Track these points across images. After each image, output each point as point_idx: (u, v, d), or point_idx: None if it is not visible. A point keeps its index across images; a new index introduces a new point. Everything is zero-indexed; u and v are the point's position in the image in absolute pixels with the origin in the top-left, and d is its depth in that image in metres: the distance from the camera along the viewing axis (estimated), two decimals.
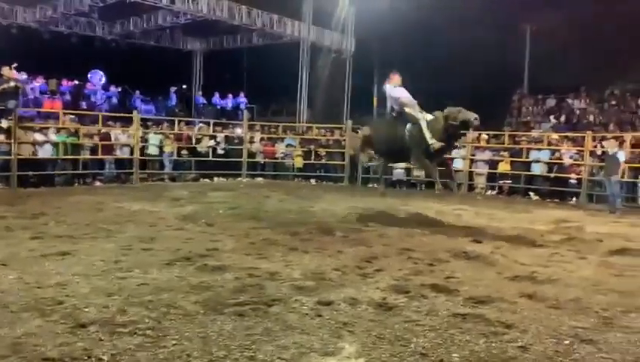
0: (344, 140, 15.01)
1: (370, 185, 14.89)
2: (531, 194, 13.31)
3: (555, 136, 14.69)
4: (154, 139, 13.93)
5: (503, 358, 3.11)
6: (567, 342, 3.39)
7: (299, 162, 15.27)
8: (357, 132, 14.32)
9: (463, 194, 13.44)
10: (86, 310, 3.62)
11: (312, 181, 14.97)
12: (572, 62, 18.94)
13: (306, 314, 3.75)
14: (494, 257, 5.82)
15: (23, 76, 12.18)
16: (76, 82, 17.67)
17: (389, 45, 20.51)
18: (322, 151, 15.19)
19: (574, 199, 12.76)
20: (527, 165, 13.43)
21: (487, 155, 14.10)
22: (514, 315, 3.86)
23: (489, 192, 13.90)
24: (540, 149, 13.68)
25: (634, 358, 3.17)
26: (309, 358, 3.00)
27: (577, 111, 20.37)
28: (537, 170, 13.37)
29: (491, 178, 14.01)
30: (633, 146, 12.76)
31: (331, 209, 9.36)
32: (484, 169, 14.12)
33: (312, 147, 15.21)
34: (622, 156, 11.45)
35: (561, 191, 13.03)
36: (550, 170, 13.25)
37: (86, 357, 2.88)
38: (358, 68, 20.96)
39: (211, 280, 4.45)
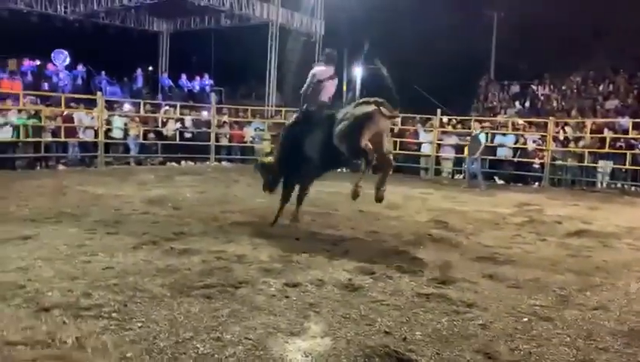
0: None
1: (339, 170, 14.94)
2: (496, 178, 13.61)
3: (520, 121, 15.02)
4: (119, 121, 13.65)
5: (465, 335, 3.21)
6: (525, 319, 3.53)
7: (267, 147, 15.18)
8: None
9: (430, 179, 13.66)
10: (49, 294, 3.57)
11: None
12: (536, 49, 19.33)
13: (273, 295, 3.78)
14: (458, 239, 5.96)
15: None
16: (38, 62, 17.12)
17: (358, 29, 20.52)
18: None
19: (537, 183, 13.12)
20: (492, 150, 13.71)
21: (453, 140, 14.32)
22: (475, 294, 3.98)
23: (455, 177, 14.13)
24: (504, 134, 13.97)
25: (587, 333, 3.32)
26: (275, 338, 3.04)
27: (541, 97, 20.83)
28: (502, 154, 13.66)
29: (458, 163, 14.24)
30: (593, 132, 13.18)
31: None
32: (450, 153, 14.35)
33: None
34: (483, 138, 12.48)
35: (525, 176, 13.39)
36: (514, 155, 13.57)
37: (50, 341, 2.85)
38: None
39: (178, 264, 4.44)
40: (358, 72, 25.00)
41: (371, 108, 5.46)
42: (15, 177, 10.21)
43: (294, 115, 6.70)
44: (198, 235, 5.61)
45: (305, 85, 6.26)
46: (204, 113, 15.40)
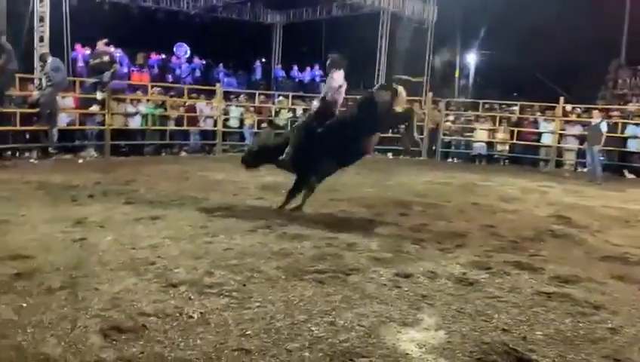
0: (423, 113, 14.69)
1: (450, 160, 14.57)
2: (625, 172, 12.47)
3: None
4: (235, 111, 14.32)
5: (592, 339, 2.99)
6: None
7: (375, 136, 15.11)
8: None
9: (550, 171, 12.85)
10: (176, 271, 3.83)
11: (389, 155, 14.81)
12: None
13: (384, 284, 3.77)
14: (582, 236, 5.55)
15: (112, 49, 12.82)
16: (163, 56, 18.39)
17: (472, 14, 19.67)
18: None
19: None
20: (622, 141, 12.56)
21: (577, 130, 13.32)
22: (603, 296, 3.68)
23: (579, 169, 13.15)
24: (637, 124, 12.73)
25: None
26: (387, 327, 3.03)
27: None
28: (633, 146, 12.48)
29: (582, 155, 13.24)
30: None
31: (408, 183, 9.26)
32: (573, 145, 13.37)
33: None
34: (604, 127, 11.47)
35: None
36: None
37: (178, 314, 3.06)
38: (439, 39, 20.29)
39: (291, 248, 4.57)
40: (471, 58, 24.02)
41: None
42: (143, 162, 11.10)
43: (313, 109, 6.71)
44: (309, 221, 5.73)
45: (325, 90, 6.32)
46: (315, 103, 15.65)
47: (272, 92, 17.06)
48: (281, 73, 20.17)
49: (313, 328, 2.96)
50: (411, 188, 8.76)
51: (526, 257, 4.59)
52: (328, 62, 6.33)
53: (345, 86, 6.33)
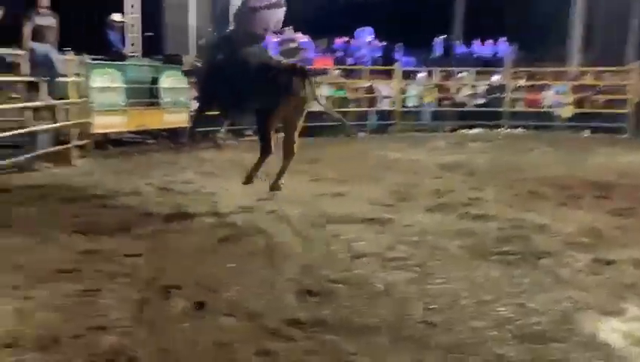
0: (627, 85, 12.99)
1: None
2: None
3: None
4: (414, 90, 14.23)
5: None
6: None
7: (568, 111, 13.82)
8: None
9: None
10: (360, 244, 3.99)
11: (585, 133, 13.41)
12: None
13: (581, 270, 3.47)
14: None
15: (298, 35, 13.58)
16: (345, 39, 18.99)
17: None
18: (599, 99, 13.42)
19: None
20: None
21: None
22: None
23: None
24: None
25: None
26: (585, 314, 2.79)
27: None
28: None
29: None
30: None
31: (608, 163, 8.31)
32: None
33: (590, 93, 13.54)
34: None
35: None
36: None
37: (363, 284, 3.19)
38: None
39: (474, 228, 4.44)
40: None
41: None
42: (325, 143, 11.62)
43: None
44: (493, 201, 5.49)
45: (236, 9, 5.51)
46: (496, 78, 14.83)
47: (452, 68, 16.55)
48: (462, 49, 19.45)
49: (500, 308, 2.85)
50: (612, 168, 7.83)
51: None
52: None
53: (269, 9, 5.41)
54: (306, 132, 12.32)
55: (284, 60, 5.74)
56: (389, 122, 13.72)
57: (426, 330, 2.62)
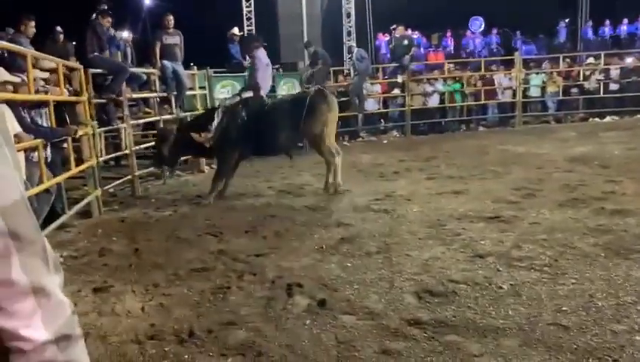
0: None
1: None
2: None
3: None
4: (536, 79, 13.39)
5: None
6: None
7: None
8: None
9: None
10: (482, 243, 3.84)
11: None
12: None
13: None
14: None
15: (409, 32, 13.38)
16: (456, 32, 18.43)
17: None
18: None
19: None
20: None
21: None
22: None
23: None
24: None
25: None
26: None
27: None
28: None
29: None
30: None
31: None
32: None
33: None
34: None
35: None
36: None
37: (487, 284, 3.07)
38: None
39: (611, 224, 4.07)
40: None
41: None
42: (442, 139, 11.35)
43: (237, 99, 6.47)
44: (632, 195, 5.00)
45: (255, 70, 6.33)
46: (630, 60, 13.45)
47: (579, 53, 15.36)
48: (590, 31, 17.94)
49: None
50: None
51: None
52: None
53: (270, 64, 6.64)
54: (418, 128, 12.26)
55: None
56: (510, 114, 13.05)
57: (558, 333, 2.45)
